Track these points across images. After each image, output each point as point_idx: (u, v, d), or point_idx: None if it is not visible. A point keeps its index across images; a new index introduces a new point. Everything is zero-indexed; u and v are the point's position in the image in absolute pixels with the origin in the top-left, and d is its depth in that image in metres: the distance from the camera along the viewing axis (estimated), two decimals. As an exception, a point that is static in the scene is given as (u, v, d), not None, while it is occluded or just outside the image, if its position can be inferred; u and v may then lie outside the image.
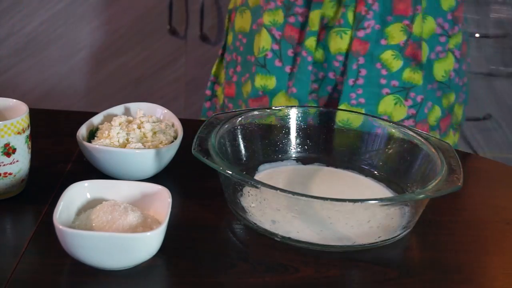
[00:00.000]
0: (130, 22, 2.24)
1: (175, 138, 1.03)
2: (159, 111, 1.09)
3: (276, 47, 1.28)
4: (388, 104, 1.25)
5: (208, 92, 1.47)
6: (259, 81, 1.29)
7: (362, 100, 1.25)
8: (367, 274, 0.86)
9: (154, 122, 1.04)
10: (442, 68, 1.28)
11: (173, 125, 1.06)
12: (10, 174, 0.93)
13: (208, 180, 1.00)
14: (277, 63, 1.28)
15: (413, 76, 1.24)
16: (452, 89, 1.31)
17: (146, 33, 2.24)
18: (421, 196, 0.86)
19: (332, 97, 1.29)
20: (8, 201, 0.95)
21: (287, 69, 1.28)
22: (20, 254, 0.85)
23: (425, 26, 1.25)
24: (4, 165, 0.92)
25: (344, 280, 0.85)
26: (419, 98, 1.25)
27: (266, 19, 1.28)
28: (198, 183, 1.02)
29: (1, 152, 0.91)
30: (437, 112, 1.30)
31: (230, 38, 1.40)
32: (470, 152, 1.17)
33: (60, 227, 0.80)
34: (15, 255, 0.85)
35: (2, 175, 0.93)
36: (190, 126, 1.06)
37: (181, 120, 1.06)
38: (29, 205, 0.95)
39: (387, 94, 1.25)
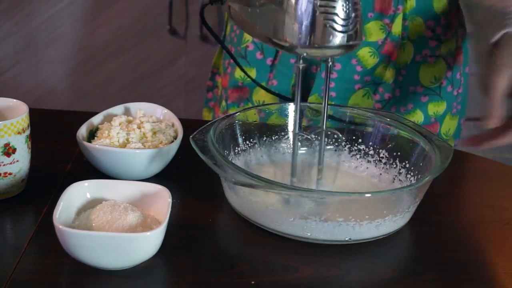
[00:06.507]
0: (130, 22, 2.24)
1: (175, 138, 1.03)
2: (159, 111, 1.09)
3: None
4: (357, 96, 1.24)
5: (209, 82, 1.47)
6: (239, 72, 1.28)
7: (333, 94, 1.24)
8: (367, 274, 0.86)
9: (154, 122, 1.04)
10: (431, 74, 1.26)
11: (173, 125, 1.06)
12: (10, 174, 0.93)
13: (208, 180, 1.00)
14: (258, 55, 1.27)
15: (385, 73, 1.23)
16: (443, 98, 1.28)
17: (146, 33, 2.25)
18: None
19: (308, 90, 1.28)
20: (8, 201, 0.95)
21: (268, 61, 1.27)
22: (20, 254, 0.85)
23: (413, 26, 1.23)
24: (4, 165, 0.92)
25: (344, 280, 0.85)
26: (386, 96, 1.24)
27: None
28: (198, 183, 1.02)
29: (1, 152, 0.91)
30: (418, 116, 1.27)
31: (228, 29, 1.39)
32: (470, 152, 1.16)
33: (60, 227, 0.80)
34: (15, 255, 0.85)
35: (2, 175, 0.93)
36: (190, 126, 1.06)
37: (181, 120, 1.06)
38: (29, 205, 0.95)
39: (359, 89, 1.24)
